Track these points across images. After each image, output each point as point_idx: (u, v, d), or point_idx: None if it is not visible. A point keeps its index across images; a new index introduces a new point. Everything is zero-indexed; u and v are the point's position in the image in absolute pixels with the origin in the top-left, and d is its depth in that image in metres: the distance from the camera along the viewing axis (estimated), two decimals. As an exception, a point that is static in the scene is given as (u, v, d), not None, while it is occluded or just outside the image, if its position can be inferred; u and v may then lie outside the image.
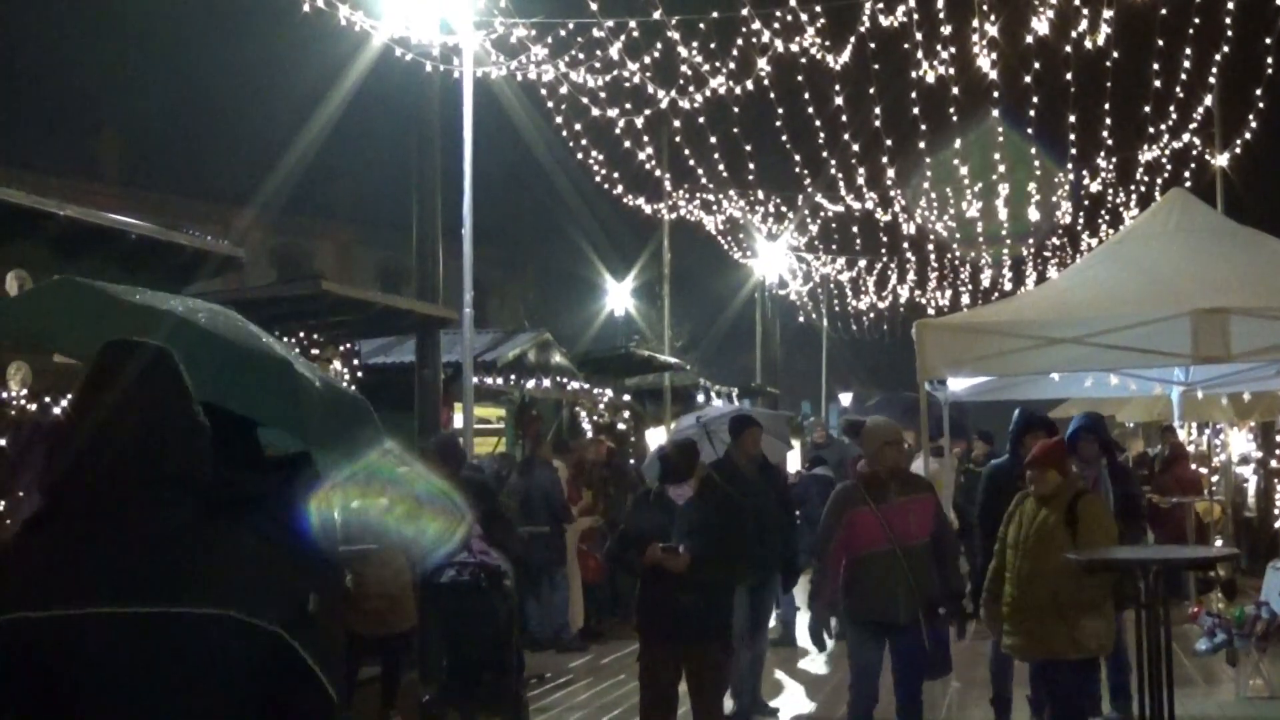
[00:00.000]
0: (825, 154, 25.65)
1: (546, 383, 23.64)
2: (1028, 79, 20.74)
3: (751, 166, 27.48)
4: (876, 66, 20.66)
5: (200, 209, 44.08)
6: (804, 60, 19.49)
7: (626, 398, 28.37)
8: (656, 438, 30.53)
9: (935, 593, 9.76)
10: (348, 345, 16.36)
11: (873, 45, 19.23)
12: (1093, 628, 9.60)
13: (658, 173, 28.19)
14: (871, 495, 9.78)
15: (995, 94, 20.95)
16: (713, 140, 24.76)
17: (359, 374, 16.70)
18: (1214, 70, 22.75)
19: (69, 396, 3.30)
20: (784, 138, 24.61)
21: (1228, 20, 19.36)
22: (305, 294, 15.20)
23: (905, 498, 9.82)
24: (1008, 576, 9.82)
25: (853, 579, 9.83)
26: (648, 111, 21.44)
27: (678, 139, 25.31)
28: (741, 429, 12.77)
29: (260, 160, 38.29)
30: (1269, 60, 20.82)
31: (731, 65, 19.53)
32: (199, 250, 14.02)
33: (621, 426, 25.46)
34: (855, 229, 37.31)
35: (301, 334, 15.22)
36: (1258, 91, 22.78)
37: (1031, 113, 22.77)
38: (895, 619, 9.62)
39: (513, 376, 22.56)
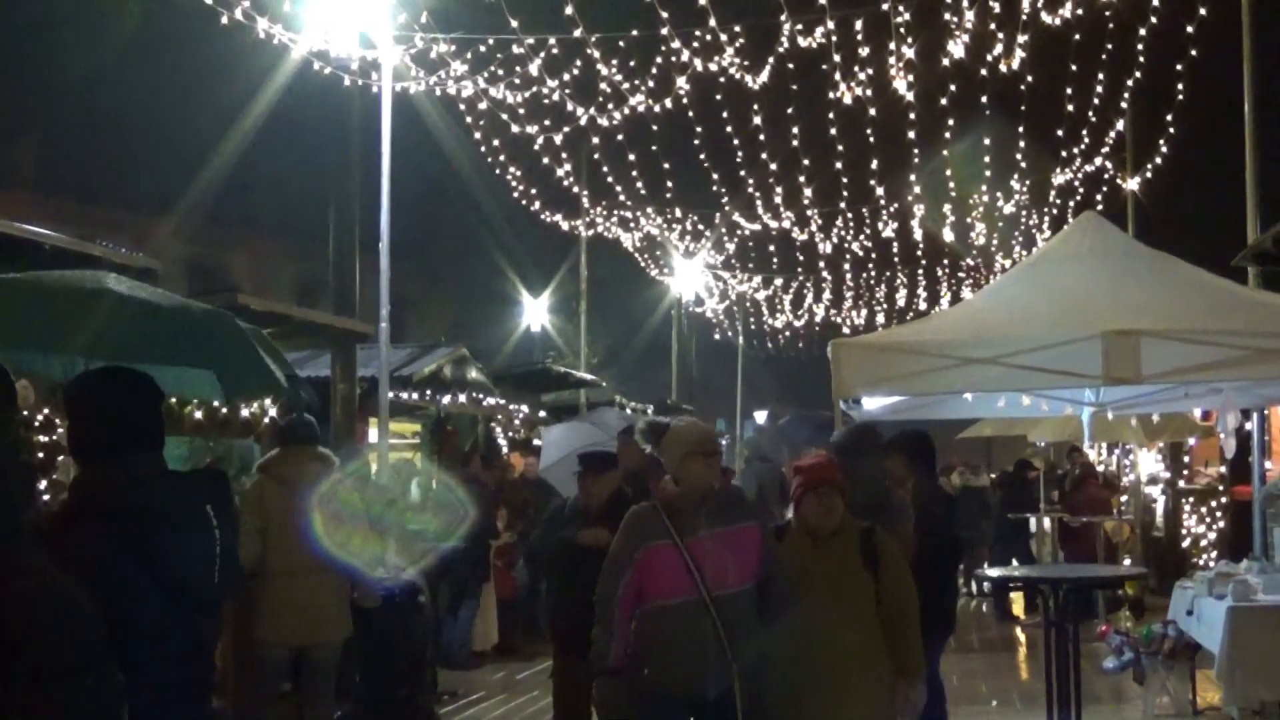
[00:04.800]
0: (743, 173, 25.84)
1: (463, 398, 23.59)
2: (944, 101, 20.95)
3: (669, 184, 27.62)
4: (795, 87, 20.83)
5: (118, 219, 43.60)
6: (723, 79, 19.61)
7: (543, 414, 28.37)
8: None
9: (758, 657, 7.22)
10: (263, 359, 16.26)
11: (791, 66, 19.38)
12: (917, 687, 7.81)
13: (576, 189, 28.26)
14: (675, 525, 7.26)
15: (911, 115, 21.16)
16: (631, 158, 24.87)
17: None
18: (1126, 95, 23.05)
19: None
20: (702, 156, 24.75)
21: (1140, 46, 19.64)
22: (221, 307, 15.10)
23: (722, 529, 7.29)
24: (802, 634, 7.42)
25: (646, 639, 7.31)
26: (567, 128, 21.49)
27: (596, 156, 25.41)
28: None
29: (180, 171, 38.07)
30: (1180, 85, 21.16)
31: (651, 83, 19.61)
32: (114, 262, 13.90)
33: (537, 442, 25.42)
34: (772, 247, 37.60)
35: (217, 347, 15.11)
36: (1169, 116, 23.12)
37: (947, 135, 23.00)
38: (703, 694, 7.13)
39: (429, 392, 22.50)
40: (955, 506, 11.84)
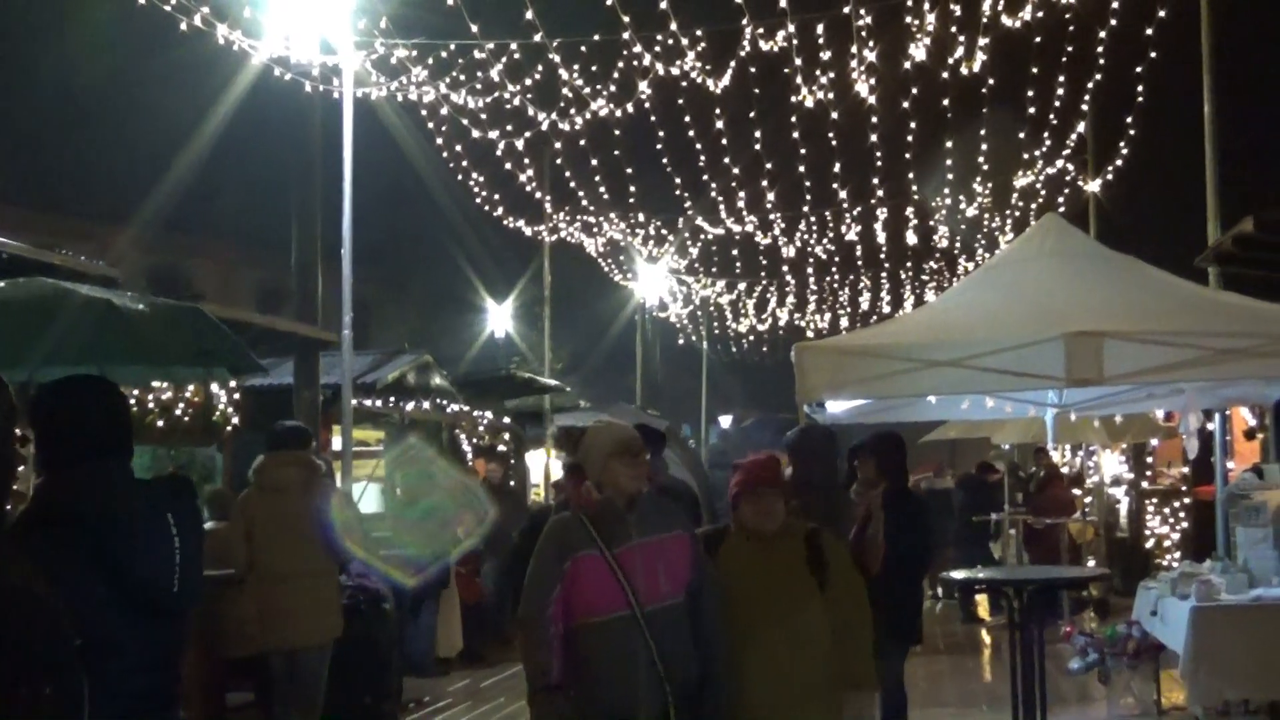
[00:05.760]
0: (706, 177, 25.86)
1: (426, 405, 23.54)
2: (905, 104, 21.00)
3: (632, 189, 27.60)
4: (757, 91, 20.85)
5: (78, 228, 43.42)
6: (685, 84, 19.63)
7: (507, 420, 28.33)
8: (536, 460, 30.58)
9: (692, 675, 6.68)
10: (226, 366, 16.21)
11: (753, 70, 19.40)
12: (869, 702, 7.42)
13: (538, 194, 28.23)
14: (601, 533, 6.69)
15: (874, 119, 21.20)
16: (594, 162, 24.85)
17: (235, 395, 16.53)
18: (1087, 97, 23.14)
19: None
20: (665, 160, 24.75)
21: (1100, 48, 19.71)
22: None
23: (651, 537, 6.74)
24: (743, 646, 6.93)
25: (573, 660, 6.68)
26: (529, 133, 21.48)
27: (559, 161, 25.40)
28: None
29: (141, 179, 37.92)
30: (1140, 88, 21.24)
31: (613, 88, 19.60)
32: (74, 270, 13.81)
33: (501, 448, 25.40)
34: (735, 252, 37.64)
35: (178, 355, 15.04)
36: (1129, 119, 23.22)
37: (909, 138, 23.04)
38: (635, 716, 6.55)
39: (393, 399, 22.44)
40: (927, 510, 11.73)
